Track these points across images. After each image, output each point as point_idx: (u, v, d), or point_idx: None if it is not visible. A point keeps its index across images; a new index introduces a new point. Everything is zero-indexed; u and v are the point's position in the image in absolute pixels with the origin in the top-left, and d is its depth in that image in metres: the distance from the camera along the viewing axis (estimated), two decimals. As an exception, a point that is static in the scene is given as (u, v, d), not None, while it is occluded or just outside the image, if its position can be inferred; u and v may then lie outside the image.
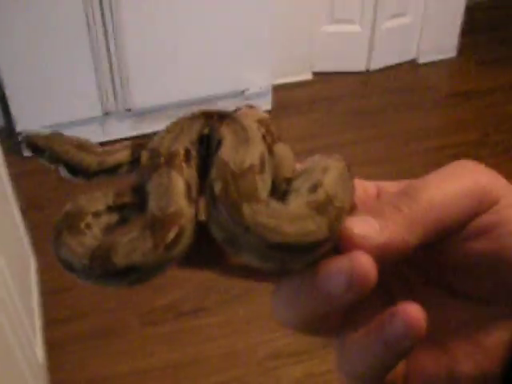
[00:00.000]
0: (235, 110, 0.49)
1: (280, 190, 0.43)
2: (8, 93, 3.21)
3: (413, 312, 0.37)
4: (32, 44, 3.11)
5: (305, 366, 2.38)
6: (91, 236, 0.43)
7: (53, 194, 3.08)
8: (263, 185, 0.41)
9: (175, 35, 3.25)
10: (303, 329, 0.43)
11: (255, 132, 0.44)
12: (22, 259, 2.40)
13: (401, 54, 4.11)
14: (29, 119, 3.30)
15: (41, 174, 3.22)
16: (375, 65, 4.04)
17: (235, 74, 3.48)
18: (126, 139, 2.97)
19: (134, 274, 0.40)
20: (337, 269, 0.38)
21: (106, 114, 3.37)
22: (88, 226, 0.44)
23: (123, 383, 2.40)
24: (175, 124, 0.46)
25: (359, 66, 4.04)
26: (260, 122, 0.47)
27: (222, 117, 0.45)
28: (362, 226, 0.39)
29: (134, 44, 3.21)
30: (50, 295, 2.62)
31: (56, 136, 0.51)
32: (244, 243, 0.39)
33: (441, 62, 4.17)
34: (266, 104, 3.60)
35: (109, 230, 0.45)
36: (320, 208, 0.39)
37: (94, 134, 3.40)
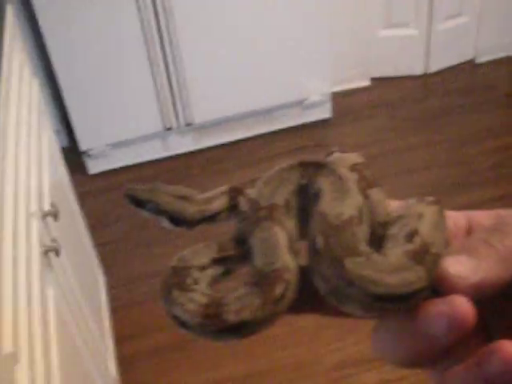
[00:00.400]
0: (328, 155, 0.51)
1: (376, 235, 0.45)
2: (71, 113, 3.27)
3: (510, 350, 0.38)
4: (92, 65, 3.17)
5: (377, 373, 2.36)
6: (200, 292, 0.44)
7: (118, 211, 3.12)
8: (362, 235, 0.42)
9: (232, 48, 3.28)
10: (403, 364, 0.43)
11: (352, 182, 0.45)
12: (91, 276, 2.44)
13: (458, 54, 4.07)
14: (92, 138, 3.36)
15: (106, 192, 3.27)
16: (433, 67, 4.01)
17: (294, 83, 3.49)
18: (187, 153, 2.99)
19: (244, 329, 0.42)
20: (436, 312, 0.39)
21: (167, 129, 3.40)
22: (195, 280, 0.45)
23: (195, 396, 2.42)
24: (273, 175, 0.47)
25: (417, 69, 4.01)
26: (353, 167, 0.48)
27: (318, 167, 0.46)
28: (457, 266, 0.40)
29: (192, 59, 3.24)
30: (119, 311, 2.65)
31: (157, 188, 0.53)
32: (347, 295, 0.40)
33: (499, 60, 4.11)
34: (325, 112, 3.61)
35: (215, 282, 0.47)
36: (418, 257, 0.40)
37: (155, 150, 3.45)
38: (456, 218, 0.47)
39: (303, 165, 0.47)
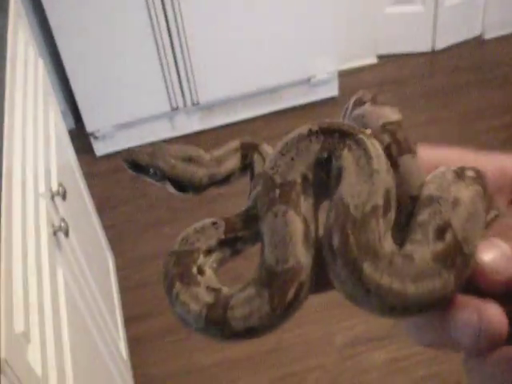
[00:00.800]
0: (358, 104, 0.44)
1: (406, 211, 0.39)
2: (77, 95, 3.26)
3: None
4: (97, 46, 3.16)
5: (387, 351, 2.36)
6: (204, 284, 0.41)
7: (126, 192, 3.12)
8: (387, 226, 0.38)
9: (239, 27, 3.26)
10: (432, 348, 0.41)
11: (381, 160, 0.39)
12: (100, 258, 2.44)
13: (466, 31, 4.03)
14: (98, 119, 3.35)
15: (113, 174, 3.27)
16: (440, 44, 3.98)
17: (301, 62, 3.47)
18: (194, 133, 2.97)
19: (250, 334, 0.39)
20: (465, 321, 0.36)
21: (174, 109, 3.39)
22: (200, 269, 0.42)
23: (205, 375, 2.42)
24: (291, 144, 0.41)
25: (424, 46, 3.98)
26: (385, 127, 0.42)
27: (344, 136, 0.40)
28: (491, 253, 0.37)
29: (198, 38, 3.22)
30: (128, 292, 2.66)
31: (159, 150, 0.47)
32: (365, 302, 0.37)
33: (507, 36, 4.07)
34: (332, 90, 3.59)
35: (222, 264, 0.43)
36: (448, 260, 0.35)
37: (162, 130, 3.44)
38: (504, 166, 0.43)
39: (324, 132, 0.40)
